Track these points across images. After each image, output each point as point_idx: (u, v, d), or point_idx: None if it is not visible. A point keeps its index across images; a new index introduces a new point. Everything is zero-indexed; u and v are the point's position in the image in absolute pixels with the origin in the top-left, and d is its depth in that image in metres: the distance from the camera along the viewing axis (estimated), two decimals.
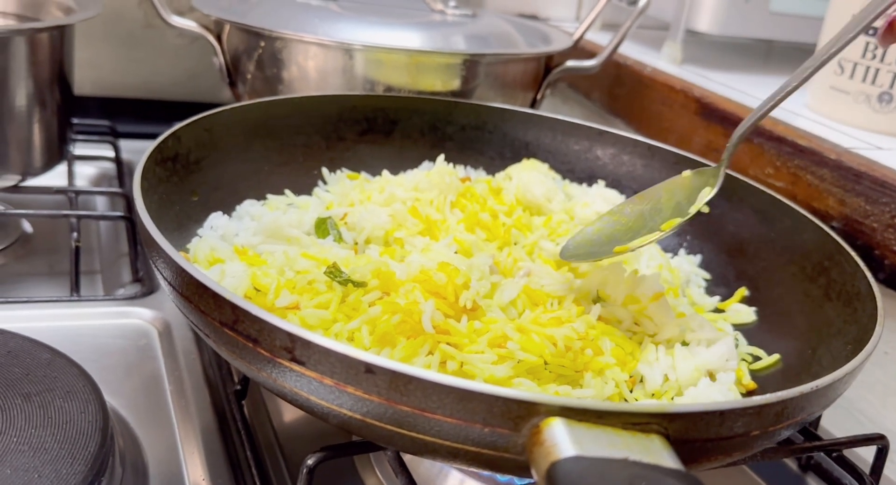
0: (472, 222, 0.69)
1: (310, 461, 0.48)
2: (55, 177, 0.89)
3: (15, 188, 0.84)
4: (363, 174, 0.79)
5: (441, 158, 0.77)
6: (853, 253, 0.62)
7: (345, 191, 0.74)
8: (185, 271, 0.45)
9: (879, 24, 0.53)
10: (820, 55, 0.55)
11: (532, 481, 0.37)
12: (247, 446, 0.55)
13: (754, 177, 0.83)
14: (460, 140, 0.87)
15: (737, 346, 0.63)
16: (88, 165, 1.01)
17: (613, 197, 0.78)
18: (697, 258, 0.76)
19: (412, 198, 0.71)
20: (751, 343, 0.65)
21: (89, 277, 0.82)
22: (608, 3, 0.99)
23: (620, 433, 0.37)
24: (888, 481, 0.66)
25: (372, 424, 0.41)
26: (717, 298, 0.71)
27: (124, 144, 1.04)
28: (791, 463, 0.67)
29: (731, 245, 0.74)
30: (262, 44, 0.87)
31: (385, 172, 0.77)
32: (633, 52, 1.12)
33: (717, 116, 0.91)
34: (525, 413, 0.37)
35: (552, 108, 1.26)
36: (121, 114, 1.14)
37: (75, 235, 0.77)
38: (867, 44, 0.84)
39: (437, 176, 0.72)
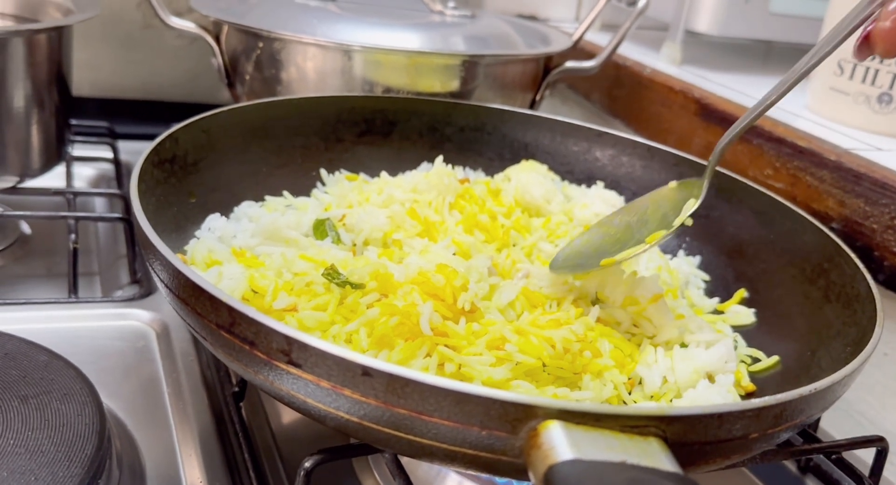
0: (471, 224, 0.69)
1: (307, 464, 0.48)
2: (53, 178, 0.89)
3: (13, 189, 0.84)
4: (362, 175, 0.79)
5: (440, 159, 0.77)
6: (853, 255, 0.62)
7: (343, 192, 0.74)
8: (182, 274, 0.45)
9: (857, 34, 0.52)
10: (798, 69, 0.55)
11: (530, 484, 0.37)
12: (244, 449, 0.55)
13: (754, 178, 0.83)
14: (459, 141, 0.86)
15: (736, 348, 0.63)
16: (87, 166, 1.00)
17: (612, 198, 0.78)
18: (697, 260, 0.76)
19: (411, 199, 0.70)
20: (750, 345, 0.65)
21: (87, 279, 0.82)
22: (607, 3, 0.99)
23: (618, 436, 0.37)
24: (888, 482, 0.66)
25: (369, 427, 0.41)
26: (717, 299, 0.71)
27: (123, 145, 1.04)
28: (790, 465, 0.67)
29: (731, 247, 0.74)
30: (261, 45, 0.87)
31: (383, 174, 0.77)
32: (632, 52, 1.12)
33: (717, 117, 0.90)
34: (522, 416, 0.37)
35: (551, 109, 1.25)
36: (119, 115, 1.14)
37: (73, 236, 0.77)
38: None
39: (435, 177, 0.72)
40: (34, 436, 0.49)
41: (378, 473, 0.58)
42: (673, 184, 0.65)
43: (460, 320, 0.54)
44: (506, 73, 0.91)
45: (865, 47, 0.51)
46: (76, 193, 0.89)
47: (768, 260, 0.70)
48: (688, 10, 1.07)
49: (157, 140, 0.64)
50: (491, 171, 0.85)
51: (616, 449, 0.36)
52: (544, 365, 0.53)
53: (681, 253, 0.77)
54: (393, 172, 0.78)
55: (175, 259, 0.46)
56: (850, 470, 0.62)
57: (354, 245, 0.67)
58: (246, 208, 0.71)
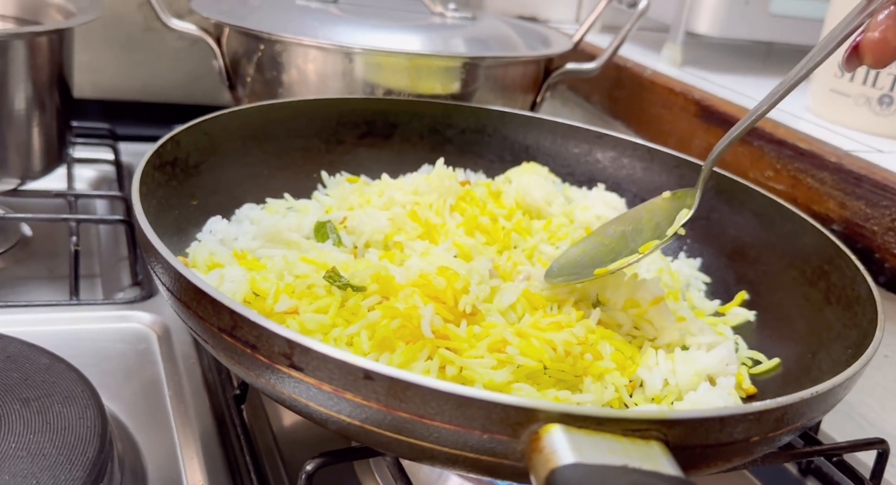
0: (472, 226, 0.69)
1: (309, 467, 0.48)
2: (55, 180, 0.89)
3: (14, 192, 0.84)
4: (362, 178, 0.79)
5: (441, 161, 0.77)
6: (853, 257, 0.62)
7: (344, 194, 0.74)
8: (184, 277, 0.45)
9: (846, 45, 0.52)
10: (788, 79, 0.55)
11: None
12: (246, 451, 0.55)
13: (754, 180, 0.83)
14: (460, 143, 0.87)
15: (737, 350, 0.63)
16: (88, 167, 1.01)
17: (613, 200, 0.78)
18: (697, 262, 0.76)
19: (411, 201, 0.71)
20: (751, 347, 0.65)
21: (89, 281, 0.82)
22: (608, 5, 0.99)
23: (620, 440, 0.37)
24: None
25: (371, 430, 0.41)
26: (717, 301, 0.71)
27: (124, 146, 1.04)
28: (791, 467, 0.67)
29: (732, 249, 0.74)
30: (262, 47, 0.87)
31: (384, 176, 0.77)
32: (633, 54, 1.12)
33: (717, 119, 0.91)
34: (524, 420, 0.37)
35: (552, 111, 1.26)
36: (120, 117, 1.14)
37: (74, 238, 0.77)
38: None
39: (436, 179, 0.72)
40: (36, 439, 0.49)
41: (379, 476, 0.58)
42: (667, 194, 0.65)
43: (461, 323, 0.54)
44: (506, 74, 0.91)
45: (854, 58, 0.51)
46: (77, 196, 0.89)
47: (769, 262, 0.70)
48: (688, 11, 1.07)
49: (159, 143, 0.64)
50: (492, 173, 0.85)
51: (618, 453, 0.36)
52: (545, 368, 0.53)
53: (682, 255, 0.77)
54: (394, 174, 0.78)
55: (177, 262, 0.46)
56: (851, 472, 0.62)
57: (355, 247, 0.67)
58: (247, 211, 0.71)
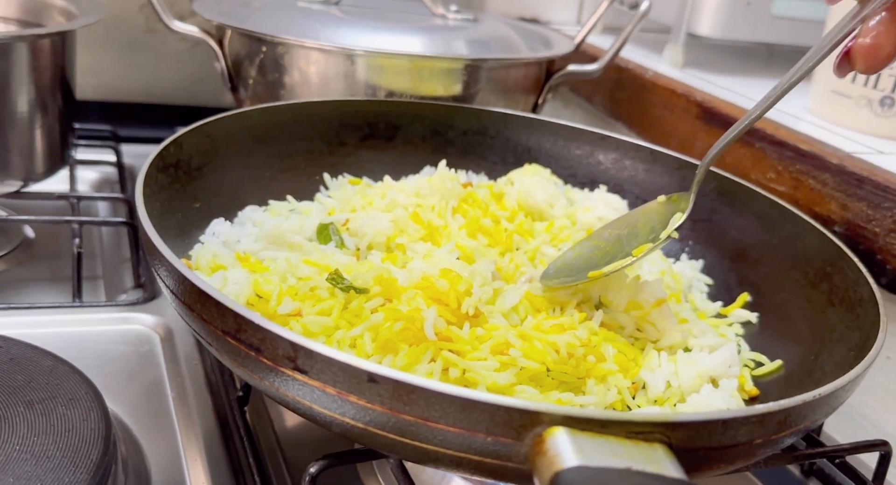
0: (474, 228, 0.69)
1: (312, 469, 0.48)
2: (57, 182, 0.90)
3: (17, 194, 0.84)
4: (365, 180, 0.79)
5: (443, 163, 0.77)
6: (855, 258, 0.62)
7: (346, 196, 0.74)
8: (188, 280, 0.45)
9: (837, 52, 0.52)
10: (780, 86, 0.56)
11: None
12: (249, 453, 0.55)
13: (756, 181, 0.83)
14: (462, 145, 0.87)
15: (739, 352, 0.63)
16: (90, 169, 1.01)
17: (615, 202, 0.78)
18: (699, 264, 0.76)
19: (414, 203, 0.71)
20: (753, 349, 0.65)
21: (91, 283, 0.82)
22: (609, 6, 0.99)
23: (623, 443, 0.37)
24: None
25: (375, 432, 0.41)
26: (720, 303, 0.71)
27: (126, 148, 1.04)
28: (794, 469, 0.67)
29: (733, 250, 0.74)
30: (264, 49, 0.87)
31: (387, 178, 0.77)
32: (634, 55, 1.12)
33: (719, 120, 0.91)
34: (528, 423, 0.37)
35: (553, 113, 1.26)
36: (122, 118, 1.14)
37: (77, 240, 0.77)
38: None
39: (438, 181, 0.72)
40: (40, 441, 0.49)
41: (383, 478, 0.58)
42: (662, 198, 0.66)
43: (464, 325, 0.55)
44: (508, 76, 0.91)
45: (846, 64, 0.51)
46: (80, 198, 0.89)
47: (771, 264, 0.71)
48: (690, 13, 1.07)
49: (162, 145, 0.64)
50: (494, 174, 0.85)
51: (621, 455, 0.36)
52: (548, 370, 0.53)
53: (684, 257, 0.77)
54: (396, 176, 0.78)
55: (181, 265, 0.47)
56: (853, 474, 0.62)
57: (358, 249, 0.67)
58: (250, 213, 0.71)
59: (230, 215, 0.70)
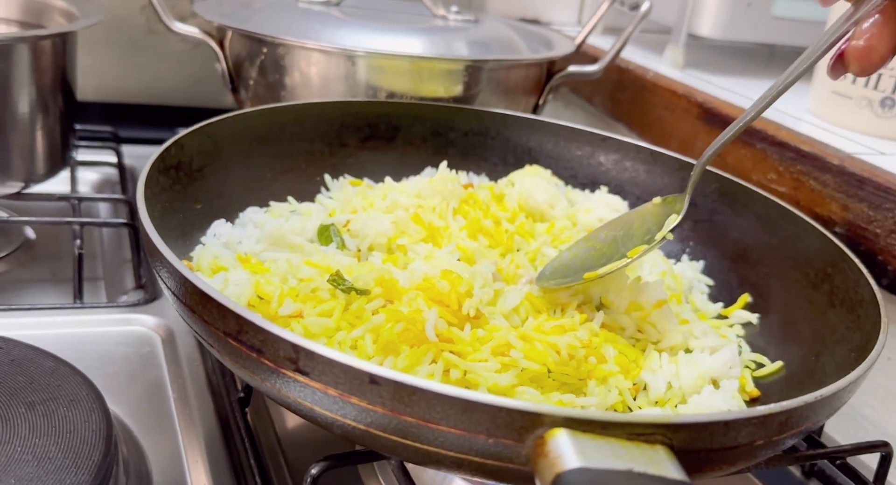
0: (475, 229, 0.69)
1: (313, 471, 0.48)
2: (58, 183, 0.90)
3: (18, 195, 0.84)
4: (365, 181, 0.79)
5: (444, 164, 0.77)
6: (856, 259, 0.62)
7: (347, 198, 0.74)
8: (189, 281, 0.45)
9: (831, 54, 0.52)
10: (774, 88, 0.56)
11: None
12: (250, 454, 0.55)
13: (757, 182, 0.83)
14: (462, 146, 0.87)
15: (740, 353, 0.63)
16: (91, 170, 1.01)
17: (616, 203, 0.78)
18: (700, 265, 0.76)
19: (415, 205, 0.71)
20: (754, 350, 0.65)
21: (92, 284, 0.82)
22: (610, 7, 0.99)
23: (625, 444, 0.37)
24: None
25: (376, 434, 0.41)
26: (720, 304, 0.71)
27: (127, 149, 1.04)
28: (794, 470, 0.67)
29: (734, 251, 0.74)
30: (265, 50, 0.87)
31: (387, 179, 0.77)
32: (635, 56, 1.12)
33: (720, 121, 0.91)
34: (529, 424, 0.37)
35: (554, 113, 1.26)
36: (123, 119, 1.14)
37: (78, 242, 0.77)
38: None
39: (439, 182, 0.72)
40: (41, 443, 0.49)
41: (384, 479, 0.58)
42: (657, 199, 0.66)
43: (465, 326, 0.55)
44: (509, 77, 0.91)
45: (839, 66, 0.51)
46: (81, 199, 0.89)
47: (772, 265, 0.71)
48: (690, 13, 1.07)
49: (163, 147, 0.64)
50: (494, 175, 0.85)
51: (623, 457, 0.36)
52: (549, 371, 0.53)
53: (684, 258, 0.77)
54: (396, 177, 0.78)
55: (182, 267, 0.47)
56: (854, 475, 0.62)
57: (359, 251, 0.67)
58: (251, 214, 0.71)
59: (231, 217, 0.70)
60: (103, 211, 0.96)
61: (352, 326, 0.54)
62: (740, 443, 0.41)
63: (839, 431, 0.73)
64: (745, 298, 0.70)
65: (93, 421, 0.52)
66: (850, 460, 0.63)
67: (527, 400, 0.50)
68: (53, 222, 0.85)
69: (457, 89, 0.88)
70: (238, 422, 0.58)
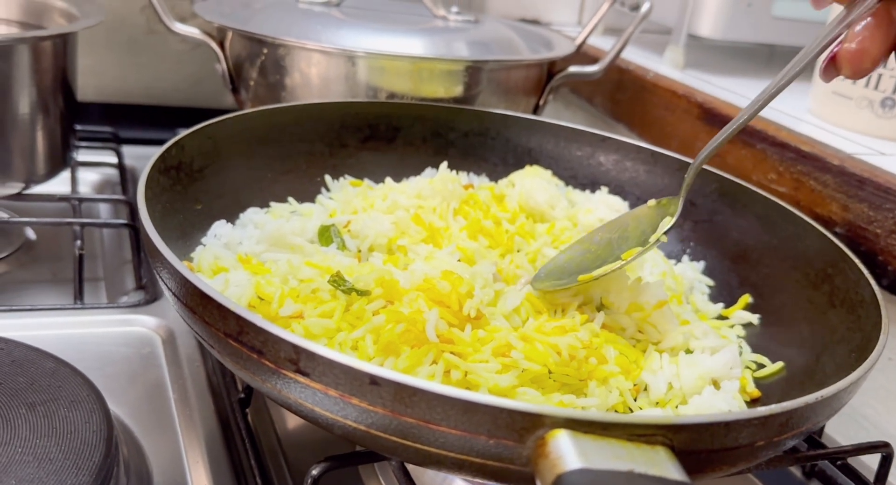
0: (475, 230, 0.69)
1: (314, 471, 0.48)
2: (58, 184, 0.90)
3: (18, 195, 0.84)
4: (366, 181, 0.79)
5: (444, 164, 0.77)
6: (857, 260, 0.62)
7: (348, 198, 0.74)
8: (190, 282, 0.45)
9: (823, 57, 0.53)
10: (767, 91, 0.56)
11: None
12: (251, 455, 0.55)
13: (757, 182, 0.83)
14: (463, 146, 0.87)
15: (741, 353, 0.63)
16: (91, 171, 1.01)
17: (616, 203, 0.78)
18: (701, 265, 0.76)
19: (415, 205, 0.71)
20: (754, 351, 0.65)
21: (93, 285, 0.82)
22: (610, 8, 0.99)
23: (626, 445, 0.37)
24: None
25: (376, 435, 0.41)
26: (721, 305, 0.71)
27: (127, 149, 1.04)
28: (795, 471, 0.67)
29: (735, 252, 0.74)
30: (265, 51, 0.87)
31: (388, 180, 0.77)
32: (635, 57, 1.12)
33: (720, 121, 0.91)
34: (530, 425, 0.37)
35: (554, 114, 1.26)
36: (123, 120, 1.14)
37: (79, 242, 0.77)
38: None
39: (439, 183, 0.72)
40: (42, 444, 0.49)
41: (384, 480, 0.58)
42: (652, 202, 0.66)
43: (466, 327, 0.55)
44: (509, 78, 0.91)
45: (832, 69, 0.51)
46: (81, 200, 0.89)
47: (772, 265, 0.71)
48: (690, 14, 1.07)
49: (164, 147, 0.64)
50: (495, 176, 0.85)
51: (623, 458, 0.36)
52: (550, 372, 0.53)
53: (685, 258, 0.77)
54: (397, 178, 0.78)
55: (183, 268, 0.47)
56: (855, 476, 0.62)
57: (359, 251, 0.67)
58: (251, 215, 0.71)
59: (232, 217, 0.70)
60: (104, 212, 0.96)
61: (352, 327, 0.54)
62: (741, 444, 0.41)
63: (840, 431, 0.73)
64: (746, 298, 0.70)
65: (93, 422, 0.52)
66: (851, 460, 0.63)
67: (527, 401, 0.50)
68: (54, 223, 0.85)
69: (457, 90, 0.88)
70: (238, 423, 0.58)
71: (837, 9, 0.51)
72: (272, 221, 0.68)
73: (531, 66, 0.93)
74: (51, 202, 0.89)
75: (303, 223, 0.68)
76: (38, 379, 0.55)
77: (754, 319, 0.68)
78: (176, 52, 1.18)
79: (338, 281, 0.56)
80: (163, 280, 0.50)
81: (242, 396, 0.59)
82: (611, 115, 1.12)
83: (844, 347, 0.57)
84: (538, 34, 1.06)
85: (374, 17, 0.94)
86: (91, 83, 1.13)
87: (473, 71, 0.88)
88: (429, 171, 0.82)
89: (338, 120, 0.82)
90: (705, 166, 0.78)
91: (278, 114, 0.78)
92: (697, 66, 1.11)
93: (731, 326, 0.68)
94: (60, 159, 0.86)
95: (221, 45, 0.93)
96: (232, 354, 0.45)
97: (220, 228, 0.67)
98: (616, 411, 0.55)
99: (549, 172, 0.82)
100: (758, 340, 0.66)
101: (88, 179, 1.00)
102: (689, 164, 0.80)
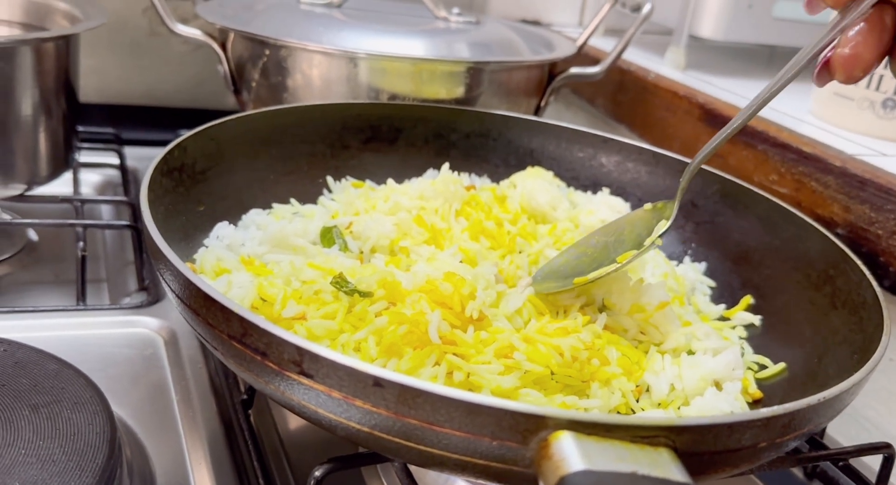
0: (477, 231, 0.69)
1: (317, 473, 0.48)
2: (60, 185, 0.90)
3: (21, 197, 0.84)
4: (368, 183, 0.79)
5: (446, 166, 0.77)
6: (858, 261, 0.62)
7: (350, 199, 0.74)
8: (193, 284, 0.46)
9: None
10: (761, 97, 0.56)
11: None
12: (253, 456, 0.55)
13: (759, 184, 0.83)
14: (465, 148, 0.87)
15: (742, 355, 0.63)
16: (93, 172, 1.01)
17: (618, 204, 0.78)
18: (702, 266, 0.76)
19: (417, 206, 0.71)
20: (756, 352, 0.65)
21: (95, 286, 0.82)
22: (611, 9, 0.99)
23: (629, 447, 0.37)
24: None
25: (380, 436, 0.41)
26: (723, 306, 0.71)
27: (129, 151, 1.04)
28: (797, 472, 0.67)
29: (736, 253, 0.74)
30: (267, 52, 0.87)
31: (390, 181, 0.77)
32: (636, 58, 1.12)
33: (721, 122, 0.91)
34: (533, 427, 0.37)
35: (556, 115, 1.26)
36: (126, 121, 1.14)
37: (81, 244, 0.77)
38: None
39: (441, 184, 0.72)
40: (45, 445, 0.50)
41: (387, 480, 0.58)
42: (648, 205, 0.66)
43: (468, 329, 0.55)
44: (510, 79, 0.92)
45: (825, 73, 0.51)
46: (84, 201, 0.89)
47: (774, 266, 0.71)
48: (692, 15, 1.07)
49: (166, 149, 0.64)
50: (496, 177, 0.86)
51: (626, 459, 0.36)
52: (552, 373, 0.53)
53: (686, 259, 0.78)
54: (398, 179, 0.78)
55: (186, 270, 0.47)
56: (856, 477, 0.62)
57: (362, 253, 0.67)
58: (254, 216, 0.71)
59: (234, 219, 0.70)
60: (106, 213, 0.96)
61: (355, 329, 0.54)
62: (743, 445, 0.41)
63: (842, 432, 0.74)
64: (748, 299, 0.70)
65: (96, 423, 0.52)
66: (853, 461, 0.63)
67: (530, 402, 0.51)
68: (56, 224, 0.85)
69: (458, 91, 0.88)
70: (241, 424, 0.58)
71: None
72: (274, 223, 0.68)
73: (532, 67, 0.93)
74: (53, 204, 0.89)
75: (305, 225, 0.68)
76: (42, 381, 0.55)
77: (756, 320, 0.68)
78: (178, 53, 1.18)
79: (340, 282, 0.56)
80: (166, 282, 0.50)
81: (245, 397, 0.59)
82: (612, 116, 1.12)
83: (846, 348, 0.57)
84: (539, 35, 1.07)
85: (375, 18, 0.94)
86: (93, 84, 1.14)
87: (475, 72, 0.88)
88: (430, 172, 0.82)
89: (339, 121, 0.82)
90: (707, 167, 0.78)
91: (280, 115, 0.78)
92: (699, 67, 1.11)
93: (733, 328, 0.68)
94: (63, 161, 0.86)
95: (223, 47, 0.93)
96: (235, 355, 0.45)
97: (222, 229, 0.67)
98: (618, 413, 0.55)
99: (550, 174, 0.82)
100: (759, 341, 0.66)
101: (91, 181, 1.00)
102: None
